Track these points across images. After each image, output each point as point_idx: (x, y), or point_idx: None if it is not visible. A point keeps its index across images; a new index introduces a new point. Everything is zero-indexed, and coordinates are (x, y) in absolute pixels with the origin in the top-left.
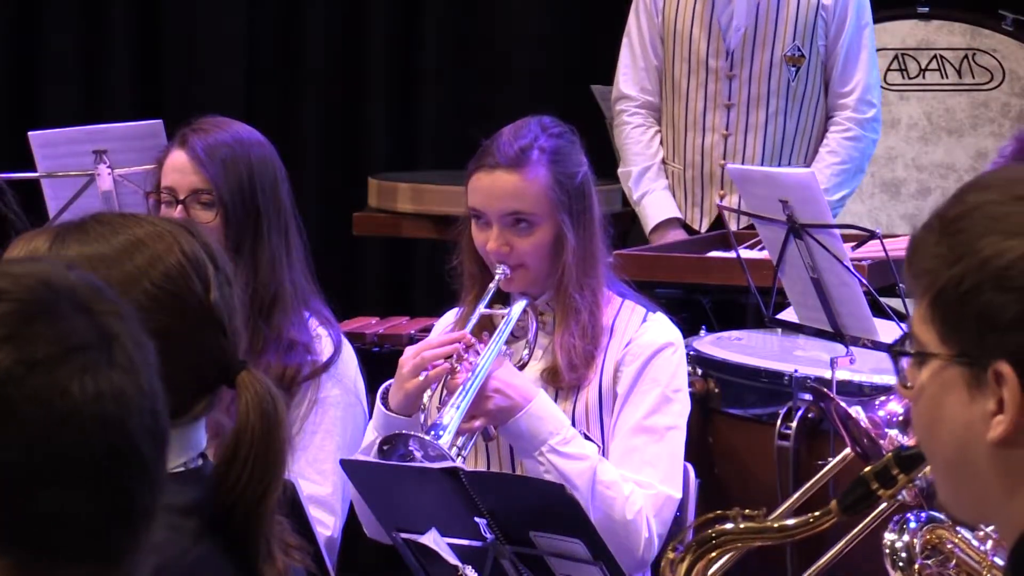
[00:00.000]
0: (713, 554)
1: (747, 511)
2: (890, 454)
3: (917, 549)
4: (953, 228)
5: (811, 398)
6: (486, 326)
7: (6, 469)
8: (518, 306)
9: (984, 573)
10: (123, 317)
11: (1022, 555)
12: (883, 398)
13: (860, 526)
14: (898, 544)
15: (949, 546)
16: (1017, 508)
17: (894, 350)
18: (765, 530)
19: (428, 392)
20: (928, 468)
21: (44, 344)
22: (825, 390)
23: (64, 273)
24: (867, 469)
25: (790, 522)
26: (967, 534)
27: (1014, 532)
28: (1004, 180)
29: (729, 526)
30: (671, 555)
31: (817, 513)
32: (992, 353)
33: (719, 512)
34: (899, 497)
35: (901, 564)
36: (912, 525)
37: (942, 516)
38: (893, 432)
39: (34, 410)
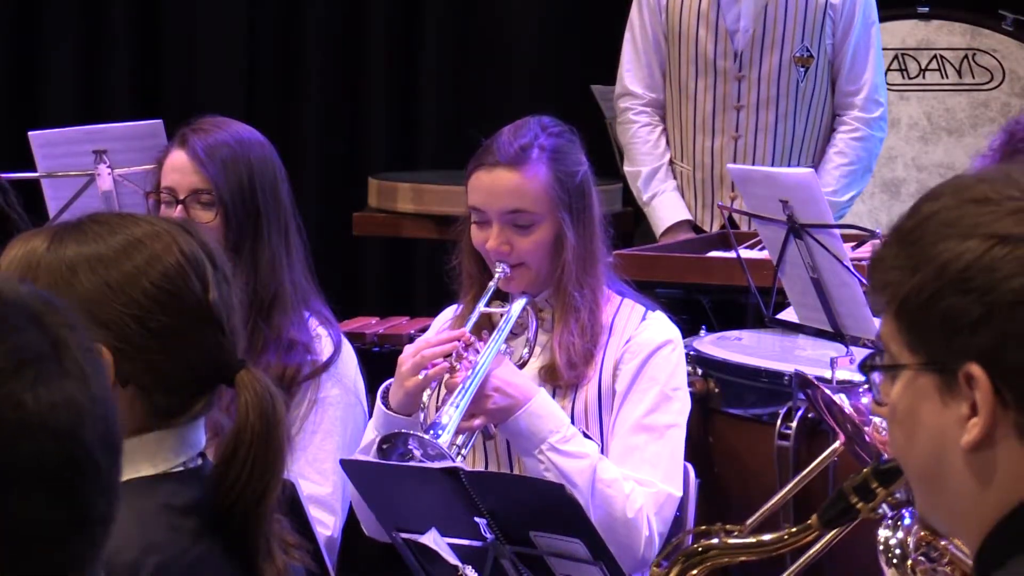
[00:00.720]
0: (697, 569)
1: (728, 526)
2: (868, 469)
3: (911, 546)
4: (910, 239)
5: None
6: (485, 325)
7: None
8: (518, 304)
9: None
10: (73, 327)
11: (991, 551)
12: (867, 386)
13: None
14: (892, 541)
15: (943, 543)
16: (988, 507)
17: (865, 365)
18: (748, 545)
19: (428, 391)
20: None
21: None
22: (810, 377)
23: (14, 286)
24: (846, 483)
25: (773, 536)
26: None
27: (983, 532)
28: (955, 187)
29: (714, 541)
30: (656, 570)
31: (797, 528)
32: (960, 356)
33: (702, 527)
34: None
35: (895, 560)
36: (907, 521)
37: None
38: (877, 419)
39: None
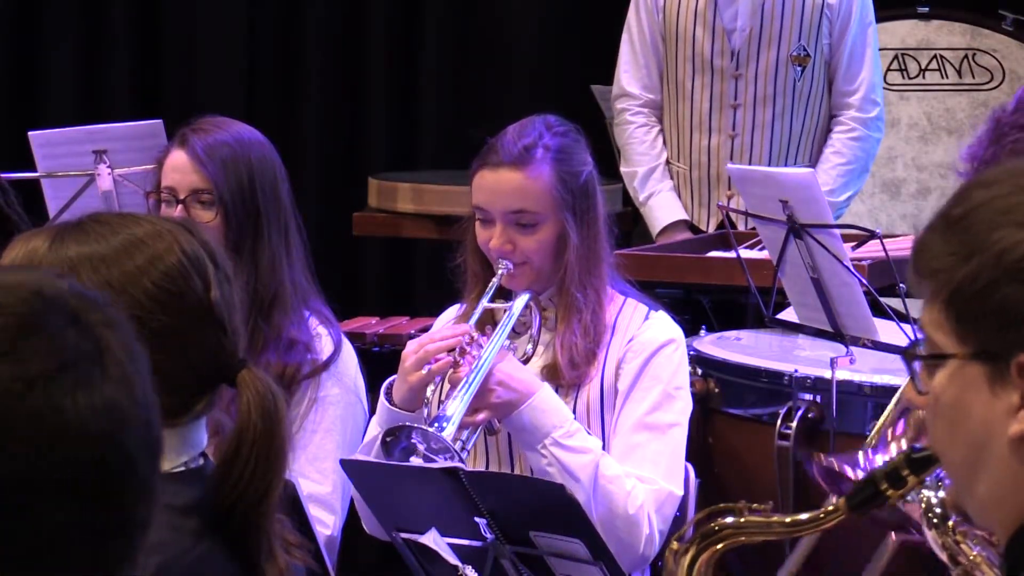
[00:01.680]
0: (718, 547)
1: (753, 505)
2: (901, 455)
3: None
4: (962, 226)
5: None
6: (488, 321)
7: (4, 485)
8: (521, 300)
9: None
10: (115, 326)
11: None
12: (872, 447)
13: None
14: (934, 500)
15: None
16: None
17: (908, 354)
18: (770, 525)
19: (431, 386)
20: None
21: (39, 360)
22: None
23: (54, 283)
24: (877, 469)
25: (797, 517)
26: None
27: (1017, 522)
28: (1008, 173)
29: (734, 519)
30: (675, 546)
31: (824, 510)
32: (1014, 347)
33: (724, 505)
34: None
35: (936, 521)
36: (949, 482)
37: None
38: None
39: (30, 428)
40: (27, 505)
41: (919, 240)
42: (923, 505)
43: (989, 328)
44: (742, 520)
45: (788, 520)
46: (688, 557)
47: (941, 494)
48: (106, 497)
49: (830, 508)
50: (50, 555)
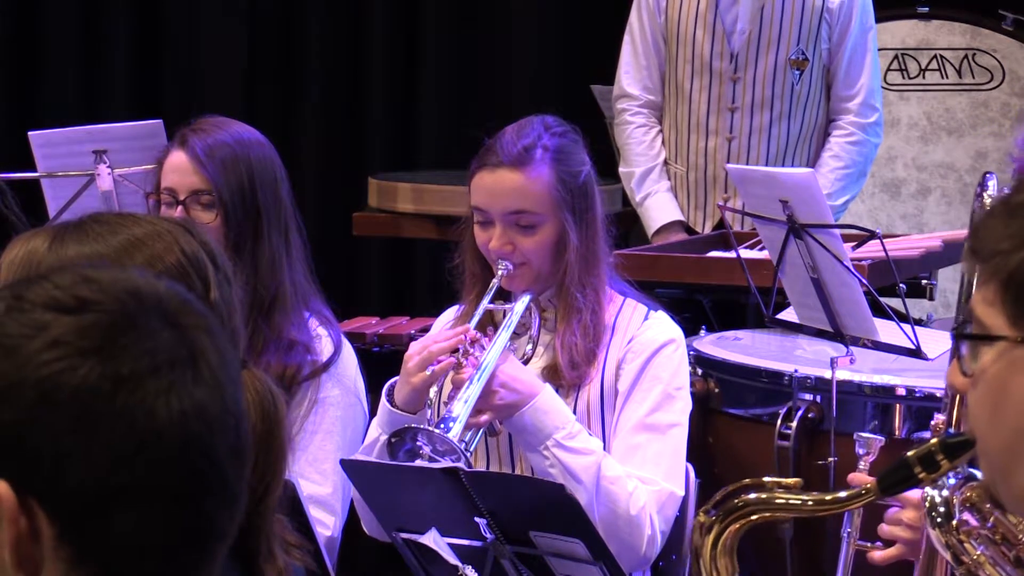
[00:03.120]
0: (744, 521)
1: (782, 480)
2: (936, 440)
3: (956, 506)
4: (1023, 211)
5: (810, 397)
6: (488, 323)
7: (86, 485)
8: (522, 301)
9: (1020, 536)
10: (210, 332)
11: None
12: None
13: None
14: (937, 499)
15: (988, 505)
16: None
17: (958, 333)
18: (798, 503)
19: (434, 388)
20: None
21: (131, 359)
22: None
23: (153, 284)
24: (911, 452)
25: (827, 496)
26: None
27: None
28: None
29: (762, 495)
30: (702, 518)
31: (852, 492)
32: None
33: (752, 480)
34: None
35: (940, 520)
36: (952, 481)
37: (980, 474)
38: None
39: (119, 428)
40: (107, 506)
41: (978, 222)
42: (927, 504)
43: None
44: (768, 496)
45: (817, 498)
46: (714, 532)
47: (945, 493)
48: (191, 504)
49: (862, 489)
50: (125, 556)
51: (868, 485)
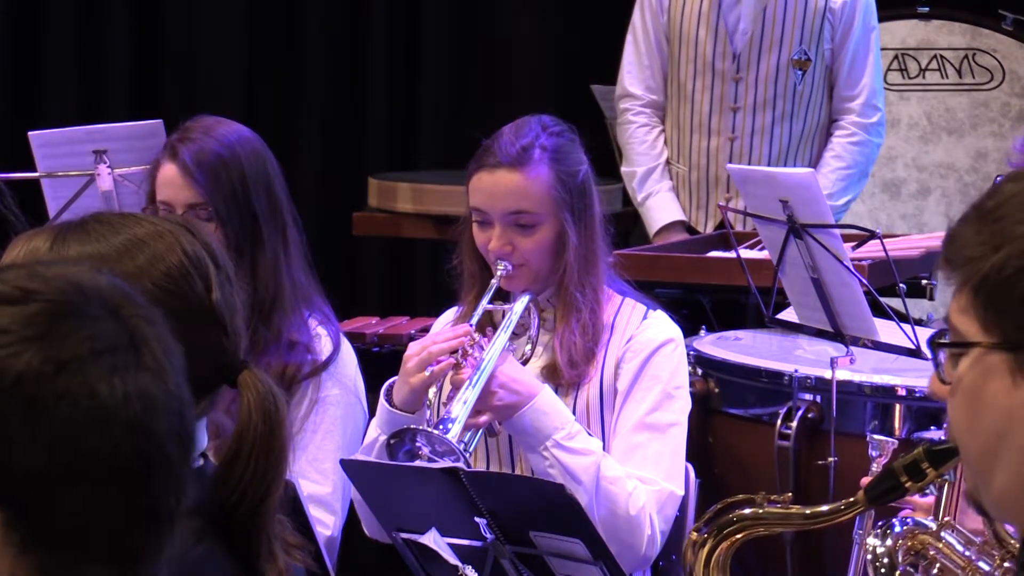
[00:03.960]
0: (737, 537)
1: (772, 496)
2: (920, 449)
3: (900, 555)
4: (993, 217)
5: (810, 397)
6: (487, 323)
7: (33, 468)
8: (521, 302)
9: None
10: (152, 321)
11: None
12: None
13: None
14: (880, 549)
15: (932, 552)
16: None
17: (934, 342)
18: (789, 516)
19: (433, 388)
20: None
21: (73, 344)
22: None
23: (94, 277)
24: (896, 462)
25: (816, 509)
26: (952, 539)
27: None
28: None
29: (754, 510)
30: (694, 536)
31: (842, 503)
32: None
33: (743, 496)
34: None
35: (884, 570)
36: (897, 530)
37: (926, 522)
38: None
39: (62, 410)
40: (55, 488)
41: (951, 230)
42: (870, 555)
43: (1015, 318)
44: (761, 511)
45: (807, 511)
46: (706, 549)
47: (888, 543)
48: (136, 484)
49: (850, 500)
50: (73, 539)
51: (858, 497)
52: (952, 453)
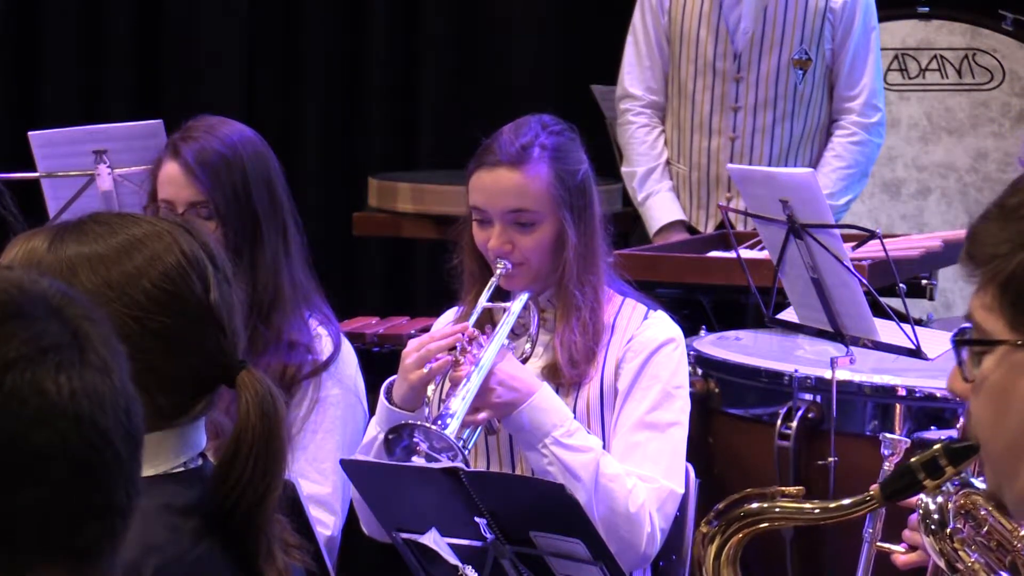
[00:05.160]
0: (746, 531)
1: (785, 489)
2: (939, 446)
3: (951, 513)
4: (1018, 214)
5: (810, 397)
6: (487, 321)
7: None
8: (520, 300)
9: (1015, 543)
10: (95, 321)
11: None
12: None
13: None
14: (932, 506)
15: (983, 512)
16: None
17: (958, 340)
18: (802, 511)
19: (432, 386)
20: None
21: (18, 344)
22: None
23: (35, 279)
24: (914, 459)
25: (830, 504)
26: None
27: None
28: None
29: (765, 505)
30: (704, 529)
31: (856, 499)
32: None
33: (754, 490)
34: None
35: (934, 527)
36: (950, 488)
37: (979, 482)
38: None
39: (10, 408)
40: (7, 485)
41: (974, 227)
42: (921, 511)
43: None
44: (773, 505)
45: (821, 506)
46: (716, 544)
47: (939, 500)
48: (85, 477)
49: (866, 496)
50: (27, 534)
51: (872, 492)
52: (971, 451)
